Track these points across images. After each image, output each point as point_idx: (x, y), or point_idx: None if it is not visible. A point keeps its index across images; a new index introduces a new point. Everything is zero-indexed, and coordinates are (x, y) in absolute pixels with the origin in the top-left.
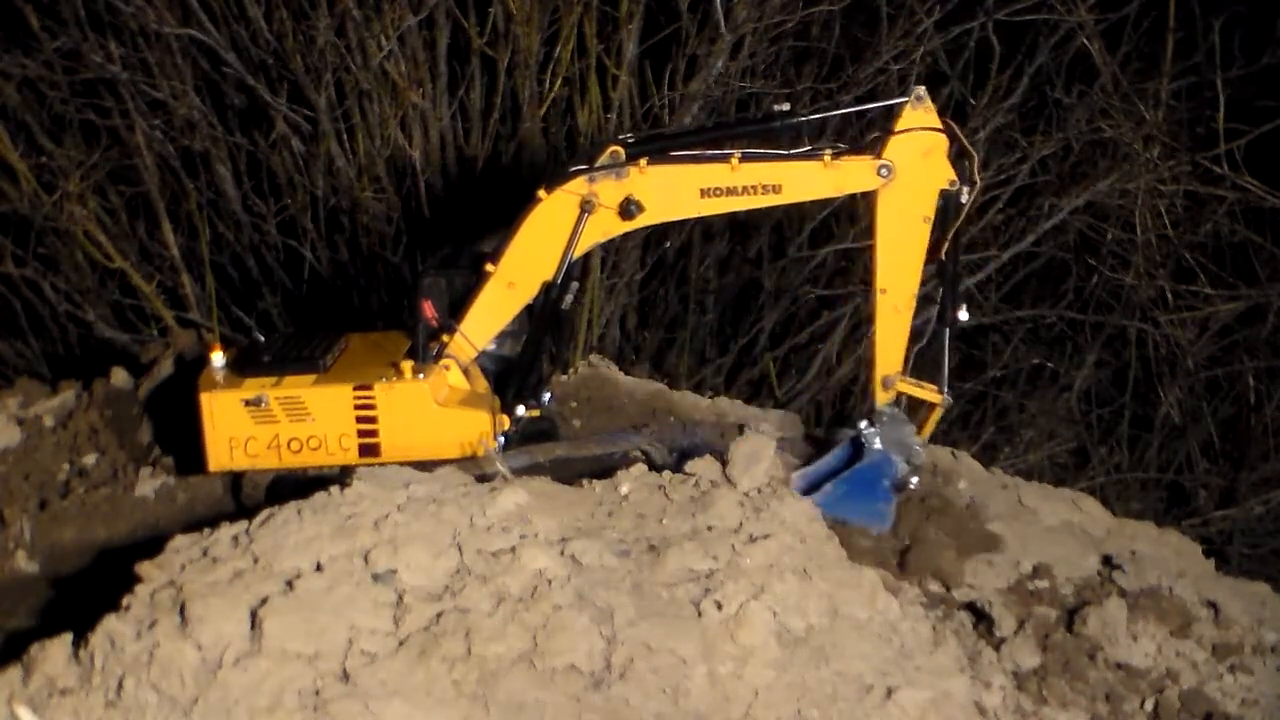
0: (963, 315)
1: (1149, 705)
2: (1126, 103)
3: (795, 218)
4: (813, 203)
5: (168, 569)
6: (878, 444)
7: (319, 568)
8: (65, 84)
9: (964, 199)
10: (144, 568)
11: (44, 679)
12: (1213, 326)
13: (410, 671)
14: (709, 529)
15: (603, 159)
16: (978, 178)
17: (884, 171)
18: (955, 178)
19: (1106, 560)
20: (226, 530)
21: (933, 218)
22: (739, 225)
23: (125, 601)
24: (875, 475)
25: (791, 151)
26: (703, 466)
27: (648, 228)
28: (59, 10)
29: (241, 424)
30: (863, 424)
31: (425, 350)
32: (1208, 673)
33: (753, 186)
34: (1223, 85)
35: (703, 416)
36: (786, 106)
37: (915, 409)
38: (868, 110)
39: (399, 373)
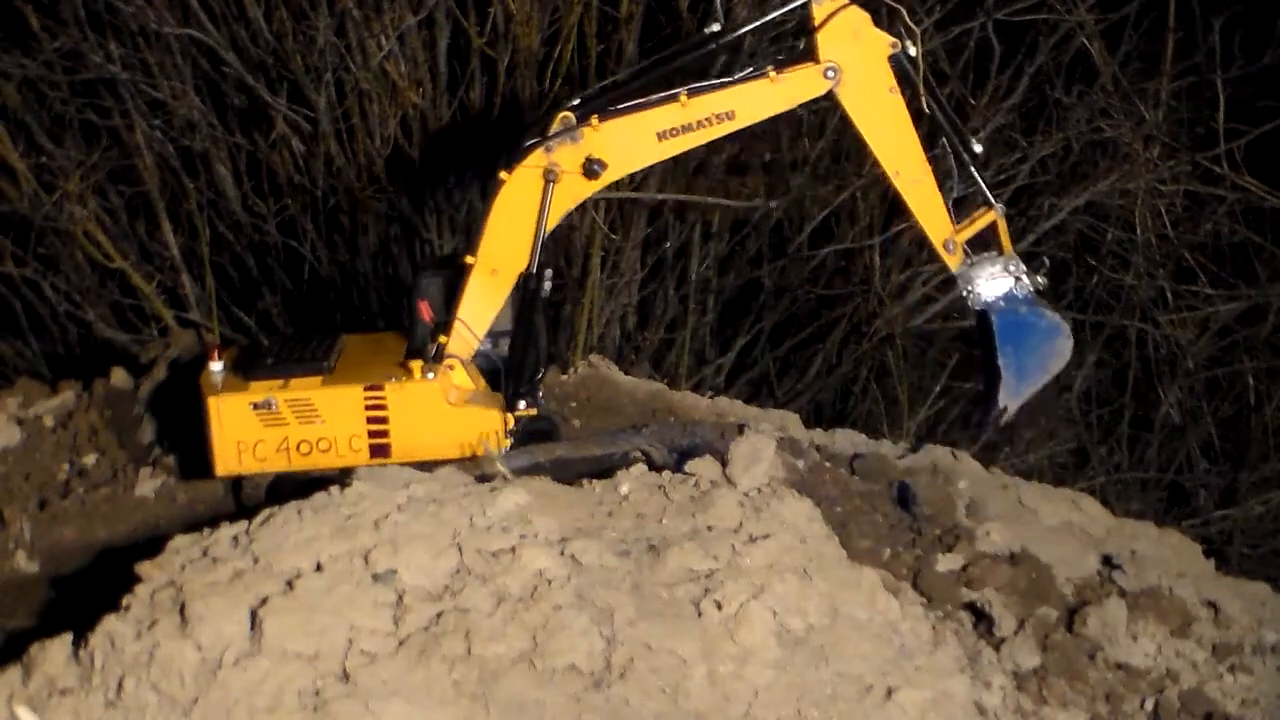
0: (977, 148)
1: (1149, 705)
2: (1126, 103)
3: (795, 218)
4: (812, 202)
5: (168, 569)
6: (987, 296)
7: (319, 568)
8: (65, 84)
9: (913, 51)
10: (144, 568)
11: (44, 679)
12: (1213, 326)
13: (410, 671)
14: (709, 529)
15: (555, 127)
16: (913, 25)
17: (830, 74)
18: (894, 40)
19: (1106, 560)
20: (226, 530)
21: (897, 85)
22: (739, 225)
23: (125, 601)
24: (1013, 315)
25: (736, 77)
26: (703, 466)
27: (617, 183)
28: (59, 10)
29: (250, 427)
30: (964, 293)
31: (425, 349)
32: (1208, 673)
33: (707, 119)
34: (1223, 85)
35: (703, 416)
36: (718, 26)
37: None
38: (779, 18)
39: (409, 372)
